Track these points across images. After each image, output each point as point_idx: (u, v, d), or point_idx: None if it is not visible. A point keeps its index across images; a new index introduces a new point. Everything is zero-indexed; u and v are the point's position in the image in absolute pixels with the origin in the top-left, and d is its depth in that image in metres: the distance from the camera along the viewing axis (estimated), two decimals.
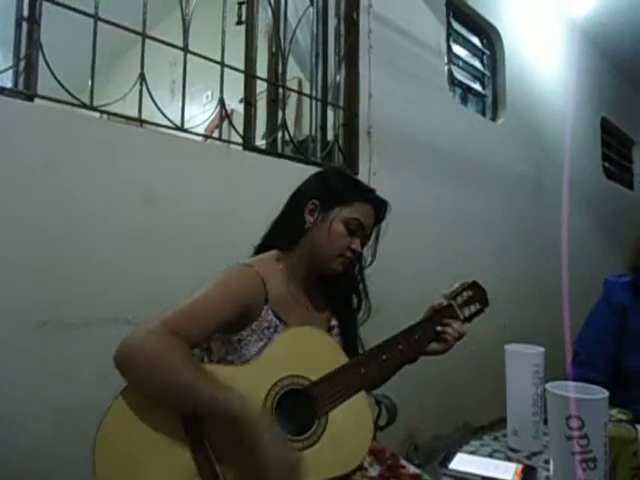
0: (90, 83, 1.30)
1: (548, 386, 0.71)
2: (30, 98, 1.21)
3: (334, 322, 1.03)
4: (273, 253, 1.00)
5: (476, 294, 1.05)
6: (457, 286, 1.04)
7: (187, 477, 0.73)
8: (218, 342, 0.94)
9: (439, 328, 0.98)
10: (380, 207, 1.03)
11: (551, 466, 0.73)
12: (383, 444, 1.00)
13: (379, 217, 1.04)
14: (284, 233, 1.00)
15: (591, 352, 1.19)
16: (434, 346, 0.99)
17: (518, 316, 2.45)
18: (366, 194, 1.01)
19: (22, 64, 1.23)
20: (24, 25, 1.25)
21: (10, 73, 1.22)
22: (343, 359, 0.92)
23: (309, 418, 0.85)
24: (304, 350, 0.89)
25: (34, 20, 1.25)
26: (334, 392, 0.86)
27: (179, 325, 0.79)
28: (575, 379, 0.75)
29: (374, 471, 0.90)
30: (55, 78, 1.25)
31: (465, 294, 1.03)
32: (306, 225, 0.97)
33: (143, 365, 0.74)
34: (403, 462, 0.97)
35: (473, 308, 1.03)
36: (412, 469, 0.95)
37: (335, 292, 1.05)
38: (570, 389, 0.68)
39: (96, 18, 1.31)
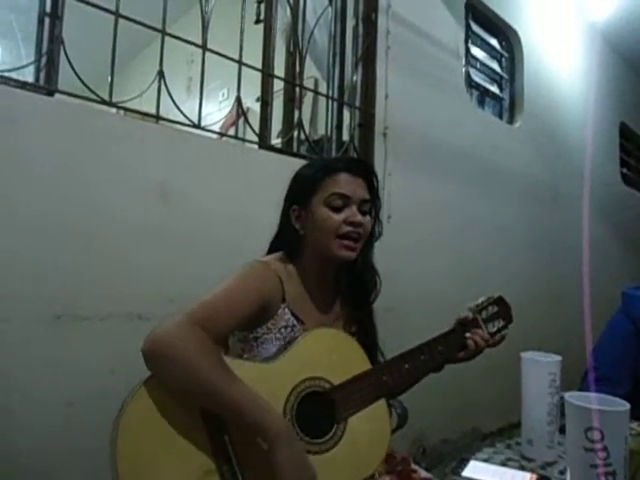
0: (110, 79, 1.31)
1: (567, 396, 0.70)
2: (51, 93, 1.22)
3: (354, 329, 1.02)
4: (284, 255, 0.98)
5: (501, 309, 1.03)
6: (483, 300, 1.03)
7: (204, 472, 0.73)
8: (234, 339, 0.94)
9: (468, 335, 0.97)
10: (356, 167, 0.96)
11: (568, 477, 0.71)
12: (393, 449, 0.99)
13: (363, 176, 0.96)
14: (286, 248, 0.98)
15: (610, 367, 1.16)
16: (460, 354, 0.98)
17: (529, 321, 2.40)
18: (331, 166, 0.95)
19: (44, 59, 1.24)
20: (46, 21, 1.25)
21: (32, 68, 1.23)
22: (366, 364, 0.90)
23: (328, 421, 0.84)
24: (328, 352, 0.88)
25: (56, 16, 1.26)
26: (355, 398, 0.85)
27: (204, 319, 0.78)
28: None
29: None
30: (76, 74, 1.26)
31: (490, 309, 1.02)
32: (299, 232, 0.96)
33: (169, 358, 0.74)
34: (414, 466, 0.97)
35: (497, 324, 1.01)
36: (423, 473, 0.94)
37: (354, 286, 1.02)
38: (591, 400, 0.66)
39: (117, 15, 1.31)
